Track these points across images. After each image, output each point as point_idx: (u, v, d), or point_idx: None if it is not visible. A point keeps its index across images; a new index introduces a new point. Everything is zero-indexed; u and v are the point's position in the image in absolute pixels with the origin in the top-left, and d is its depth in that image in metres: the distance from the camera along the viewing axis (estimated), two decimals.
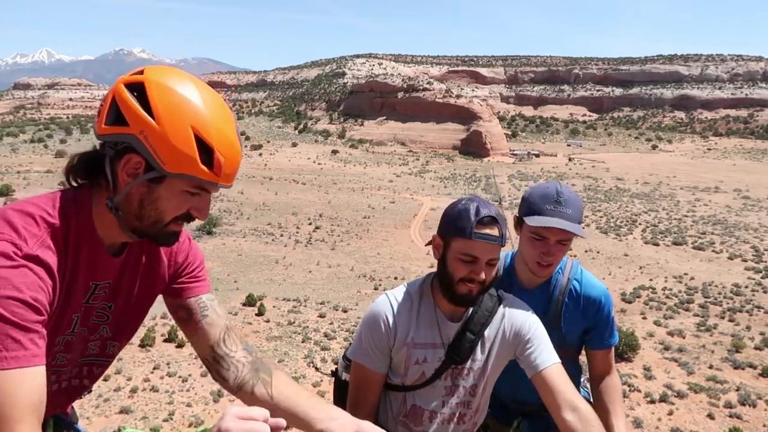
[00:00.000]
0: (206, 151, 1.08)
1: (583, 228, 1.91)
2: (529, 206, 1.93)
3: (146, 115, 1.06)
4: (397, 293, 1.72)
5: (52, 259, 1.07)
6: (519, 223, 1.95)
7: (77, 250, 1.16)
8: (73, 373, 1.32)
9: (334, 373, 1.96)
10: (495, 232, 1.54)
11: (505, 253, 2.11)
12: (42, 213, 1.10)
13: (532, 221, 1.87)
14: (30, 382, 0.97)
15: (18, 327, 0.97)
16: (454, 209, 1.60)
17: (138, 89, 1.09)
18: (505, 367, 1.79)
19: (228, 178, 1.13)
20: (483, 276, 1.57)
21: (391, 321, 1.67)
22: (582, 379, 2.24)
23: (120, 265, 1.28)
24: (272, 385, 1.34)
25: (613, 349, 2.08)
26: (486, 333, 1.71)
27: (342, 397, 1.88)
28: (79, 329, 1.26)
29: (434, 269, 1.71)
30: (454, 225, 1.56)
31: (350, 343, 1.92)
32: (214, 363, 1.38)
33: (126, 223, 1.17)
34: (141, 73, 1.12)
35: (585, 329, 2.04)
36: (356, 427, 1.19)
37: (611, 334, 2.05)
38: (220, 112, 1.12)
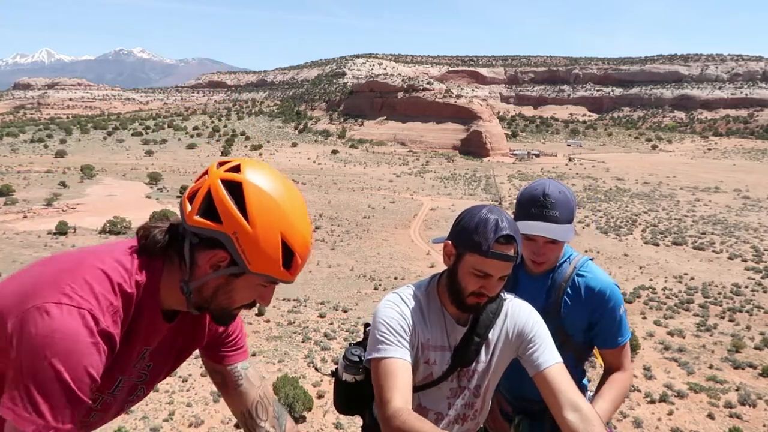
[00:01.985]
0: (288, 255, 1.14)
1: (580, 223, 1.95)
2: (518, 208, 1.95)
3: (242, 218, 1.10)
4: (406, 293, 1.70)
5: (117, 332, 1.12)
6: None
7: (138, 318, 1.19)
8: (96, 426, 1.37)
9: (334, 373, 1.94)
10: (511, 251, 1.52)
11: None
12: (120, 280, 1.14)
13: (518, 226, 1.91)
14: None
15: (76, 401, 1.02)
16: (471, 222, 1.55)
17: (235, 189, 1.12)
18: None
19: (297, 274, 1.19)
20: (494, 292, 1.59)
21: (408, 315, 1.64)
22: (588, 393, 2.18)
23: (169, 329, 1.32)
24: None
25: (625, 347, 2.00)
26: (490, 334, 1.71)
27: (342, 397, 1.88)
28: (119, 391, 1.29)
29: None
30: (471, 240, 1.53)
31: (350, 343, 1.93)
32: (244, 426, 1.53)
33: (194, 304, 1.22)
34: (237, 170, 1.15)
35: (590, 324, 2.00)
36: None
37: (620, 332, 1.98)
38: (303, 216, 1.17)
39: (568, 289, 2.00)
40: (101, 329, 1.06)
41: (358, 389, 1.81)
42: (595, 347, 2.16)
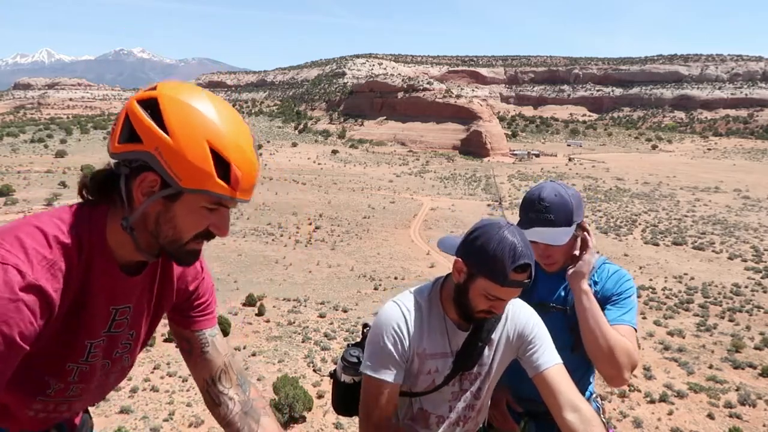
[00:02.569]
0: (223, 165, 1.06)
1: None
2: (520, 212, 1.97)
3: (160, 131, 1.04)
4: (406, 302, 1.68)
5: (54, 286, 1.04)
6: None
7: (88, 271, 1.13)
8: (80, 402, 1.31)
9: (333, 374, 1.94)
10: (526, 277, 1.50)
11: None
12: (56, 232, 1.07)
13: None
14: None
15: None
16: (488, 245, 1.49)
17: (151, 105, 1.06)
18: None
19: (246, 192, 1.11)
20: (502, 311, 1.59)
21: (405, 332, 1.63)
22: (593, 395, 2.18)
23: (138, 286, 1.24)
24: None
25: (630, 331, 1.91)
26: (492, 336, 1.71)
27: (341, 399, 1.88)
28: (101, 362, 1.24)
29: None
30: (487, 267, 1.49)
31: (349, 344, 1.92)
32: (207, 395, 1.45)
33: (142, 243, 1.14)
34: (154, 89, 1.10)
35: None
36: None
37: (625, 311, 1.94)
38: (236, 126, 1.10)
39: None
40: (28, 283, 1.00)
41: (356, 390, 1.78)
42: None
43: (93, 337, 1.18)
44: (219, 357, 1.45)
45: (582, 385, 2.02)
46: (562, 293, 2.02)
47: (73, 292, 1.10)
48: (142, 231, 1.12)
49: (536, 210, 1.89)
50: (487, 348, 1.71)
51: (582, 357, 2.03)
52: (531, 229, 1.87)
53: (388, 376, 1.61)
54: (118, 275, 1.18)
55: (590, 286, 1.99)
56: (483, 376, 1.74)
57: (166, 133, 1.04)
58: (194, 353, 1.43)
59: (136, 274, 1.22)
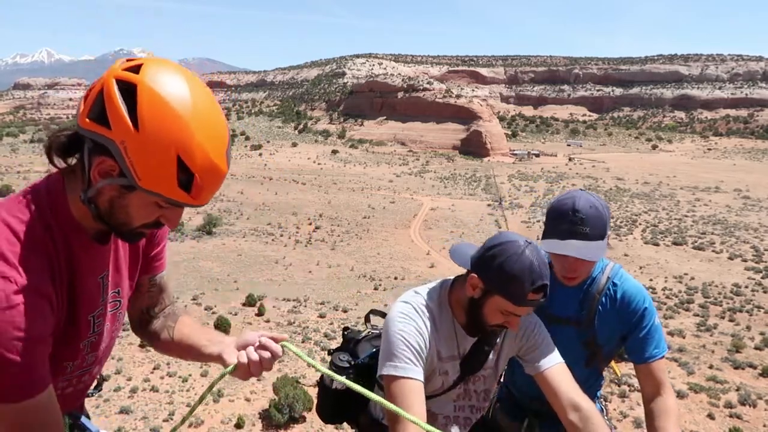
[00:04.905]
0: (186, 174, 1.02)
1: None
2: (548, 224, 1.87)
3: (131, 124, 0.98)
4: (419, 304, 1.65)
5: (42, 278, 1.05)
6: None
7: (69, 250, 1.13)
8: (96, 366, 1.35)
9: (320, 382, 1.88)
10: (542, 296, 1.52)
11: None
12: (20, 225, 1.06)
13: (546, 246, 1.80)
14: (43, 408, 1.05)
15: (23, 367, 1.00)
16: (506, 265, 1.49)
17: (129, 90, 1.00)
18: (517, 362, 1.81)
19: (204, 200, 1.08)
20: (517, 327, 1.61)
21: (425, 331, 1.61)
22: (599, 397, 2.17)
23: (111, 251, 1.26)
24: (174, 329, 1.45)
25: (660, 364, 1.90)
26: (497, 339, 1.73)
27: (333, 407, 1.85)
28: (104, 327, 1.28)
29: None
30: (507, 287, 1.49)
31: (330, 350, 1.90)
32: (139, 321, 1.50)
33: (99, 216, 1.12)
34: (137, 70, 1.02)
35: (622, 335, 1.95)
36: (239, 339, 1.30)
37: (655, 344, 1.89)
38: (213, 130, 1.04)
39: (603, 299, 1.95)
40: (20, 287, 1.00)
41: (348, 396, 1.75)
42: (612, 360, 2.13)
43: (93, 310, 1.22)
44: (160, 294, 1.48)
45: (591, 392, 2.00)
46: (577, 307, 1.98)
47: (65, 277, 1.11)
48: (97, 206, 1.10)
49: (570, 221, 1.78)
50: (492, 351, 1.73)
51: (594, 370, 2.04)
52: (566, 242, 1.78)
53: (416, 373, 1.55)
54: (94, 248, 1.19)
55: (611, 287, 1.96)
56: (489, 378, 1.76)
57: (137, 127, 0.98)
58: (139, 291, 1.44)
59: (107, 241, 1.23)
